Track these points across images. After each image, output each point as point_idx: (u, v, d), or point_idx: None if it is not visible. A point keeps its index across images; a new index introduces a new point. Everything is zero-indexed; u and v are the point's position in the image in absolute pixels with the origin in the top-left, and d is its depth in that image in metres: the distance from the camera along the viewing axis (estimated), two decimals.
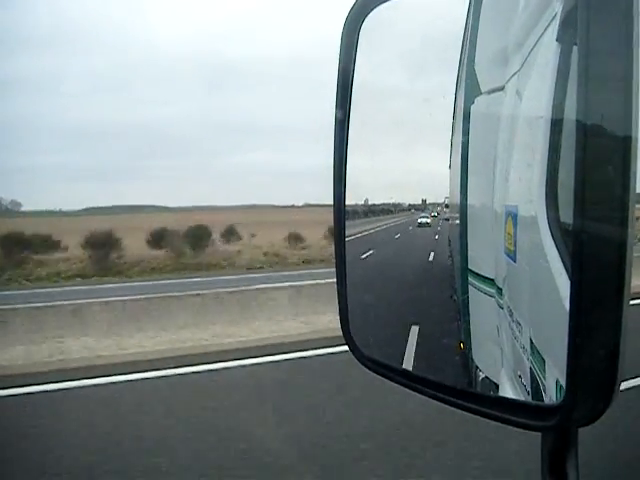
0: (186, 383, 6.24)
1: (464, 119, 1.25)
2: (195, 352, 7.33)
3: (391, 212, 1.66)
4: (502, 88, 1.11)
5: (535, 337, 0.88)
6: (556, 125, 0.78)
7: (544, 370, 0.80)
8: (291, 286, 9.96)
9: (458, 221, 1.34)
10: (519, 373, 0.98)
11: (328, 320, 7.59)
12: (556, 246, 0.75)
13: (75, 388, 6.02)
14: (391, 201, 1.65)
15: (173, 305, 8.54)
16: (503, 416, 0.70)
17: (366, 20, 0.97)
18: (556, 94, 0.77)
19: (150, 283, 20.11)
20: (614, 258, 0.52)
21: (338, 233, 1.05)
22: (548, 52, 0.83)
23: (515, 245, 0.97)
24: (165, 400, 5.69)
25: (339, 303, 1.04)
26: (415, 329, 0.81)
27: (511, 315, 1.04)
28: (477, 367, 1.24)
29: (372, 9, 0.97)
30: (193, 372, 6.53)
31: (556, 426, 0.63)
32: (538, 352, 0.85)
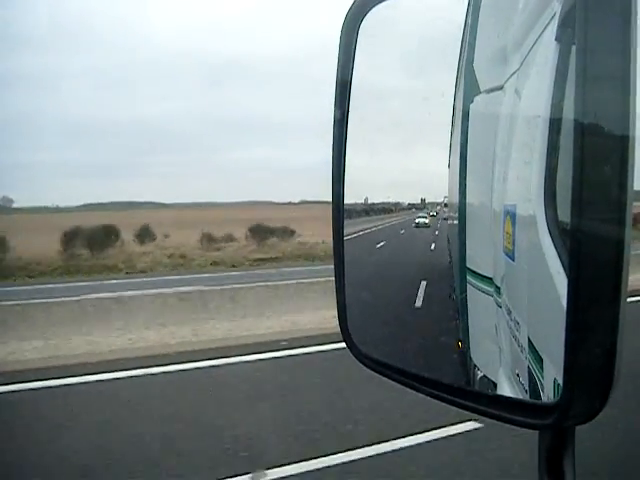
0: None
1: (463, 118, 1.25)
2: None
3: (392, 211, 1.69)
4: (501, 87, 1.11)
5: (533, 335, 0.88)
6: (554, 124, 0.79)
7: (542, 368, 0.80)
8: (159, 294, 9.65)
9: (457, 220, 1.34)
10: (517, 371, 0.98)
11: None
12: (554, 245, 0.75)
13: None
14: (390, 200, 1.66)
15: None
16: (501, 414, 0.70)
17: (365, 19, 0.97)
18: (555, 93, 0.77)
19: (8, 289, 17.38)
20: (612, 257, 0.52)
21: (337, 231, 1.05)
22: (547, 52, 0.83)
23: (513, 244, 0.97)
24: None
25: (337, 301, 1.05)
26: (424, 283, 1.22)
27: (509, 314, 1.04)
28: (475, 365, 1.24)
29: (371, 8, 0.97)
30: None
31: (553, 424, 0.63)
32: (536, 350, 0.85)
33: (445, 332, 1.35)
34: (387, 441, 4.54)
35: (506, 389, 1.05)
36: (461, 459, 4.28)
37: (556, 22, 0.76)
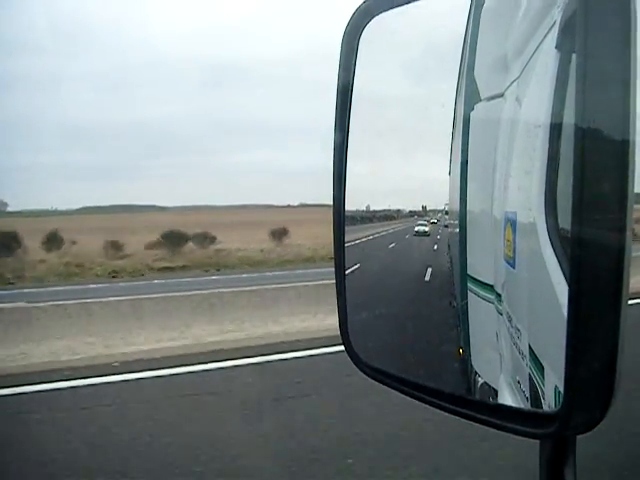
0: None
1: (464, 126, 1.25)
2: None
3: (394, 218, 1.76)
4: (502, 95, 1.11)
5: (534, 343, 0.88)
6: (555, 132, 0.79)
7: (543, 376, 0.79)
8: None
9: (457, 227, 1.34)
10: (518, 379, 0.98)
11: None
12: (555, 253, 0.75)
13: None
14: (392, 207, 1.71)
15: None
16: (501, 424, 0.70)
17: (367, 27, 0.98)
18: (555, 101, 0.77)
19: None
20: (612, 265, 0.52)
21: (337, 238, 1.05)
22: (547, 59, 0.83)
23: (514, 251, 0.97)
24: None
25: (338, 310, 1.04)
26: (430, 269, 1.52)
27: (510, 321, 1.03)
28: (476, 373, 1.24)
29: (373, 16, 0.97)
30: None
31: (554, 434, 0.63)
32: (537, 358, 0.85)
33: (446, 339, 1.35)
34: None
35: (507, 396, 1.04)
36: None
37: (556, 30, 0.76)
